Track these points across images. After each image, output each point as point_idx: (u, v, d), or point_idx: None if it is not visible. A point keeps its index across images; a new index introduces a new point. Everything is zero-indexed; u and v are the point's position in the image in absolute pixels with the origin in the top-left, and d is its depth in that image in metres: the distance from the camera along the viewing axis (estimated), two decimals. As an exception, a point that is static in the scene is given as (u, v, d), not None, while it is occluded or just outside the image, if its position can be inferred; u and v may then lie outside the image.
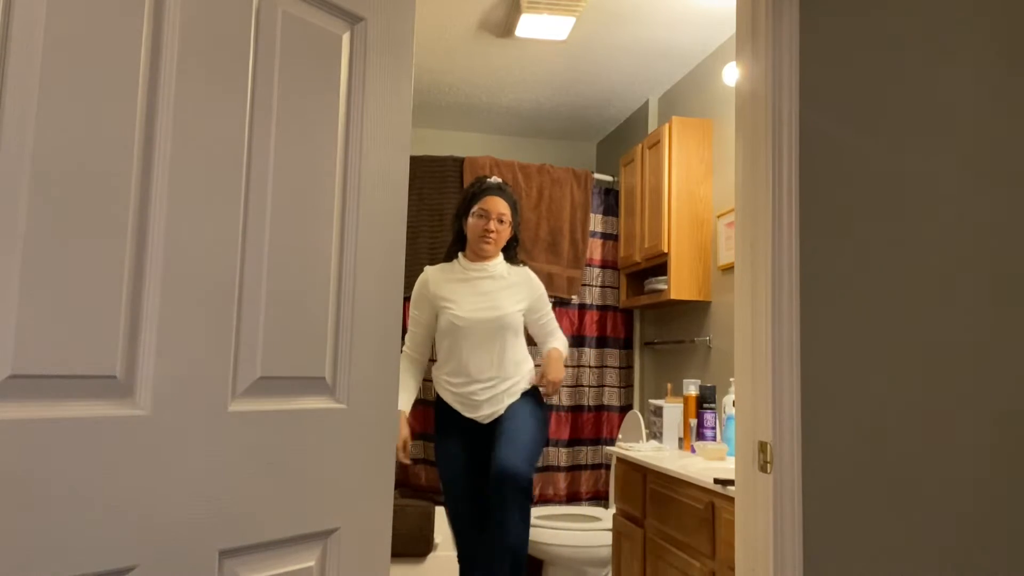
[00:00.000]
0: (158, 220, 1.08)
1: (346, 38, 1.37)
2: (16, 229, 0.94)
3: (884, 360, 1.70)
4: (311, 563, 1.27)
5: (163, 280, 1.08)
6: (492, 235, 2.95)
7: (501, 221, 2.97)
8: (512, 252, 3.10)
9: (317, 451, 1.28)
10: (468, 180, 4.01)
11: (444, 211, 4.01)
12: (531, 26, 3.52)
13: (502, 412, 2.95)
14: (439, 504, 3.71)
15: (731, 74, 3.65)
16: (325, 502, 1.29)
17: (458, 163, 4.16)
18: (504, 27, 3.65)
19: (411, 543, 3.52)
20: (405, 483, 3.91)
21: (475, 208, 2.98)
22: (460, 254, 3.06)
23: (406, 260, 1.42)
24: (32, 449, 0.94)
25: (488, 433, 2.99)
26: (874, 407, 1.69)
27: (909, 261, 1.74)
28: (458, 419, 3.00)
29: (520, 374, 2.99)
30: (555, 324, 3.11)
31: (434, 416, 3.08)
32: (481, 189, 3.01)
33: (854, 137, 1.74)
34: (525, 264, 3.16)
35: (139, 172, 1.06)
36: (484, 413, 2.96)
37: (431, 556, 3.59)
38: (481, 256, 3.01)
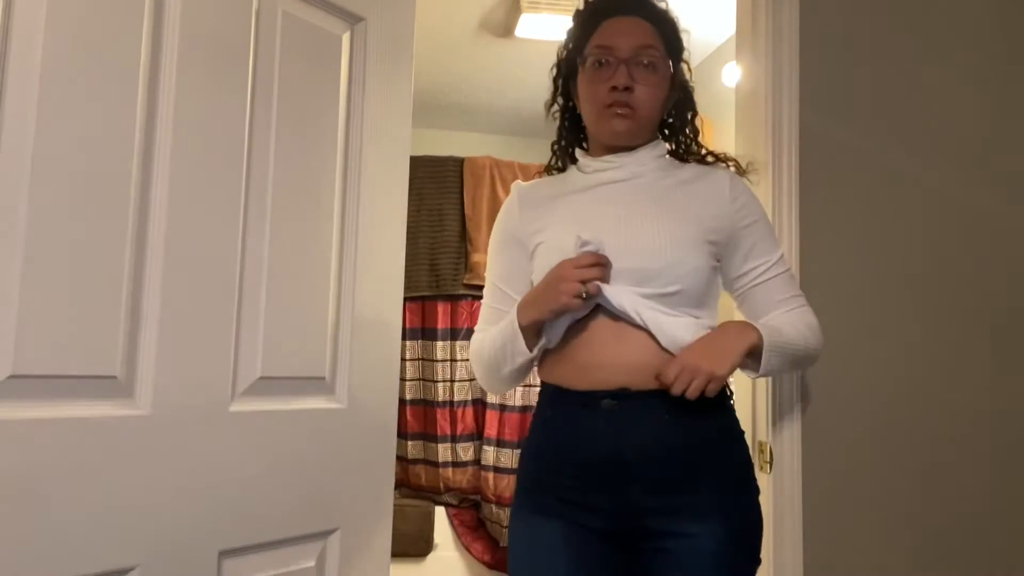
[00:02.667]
0: (158, 220, 1.08)
1: (346, 38, 1.37)
2: (16, 229, 0.94)
3: (884, 359, 1.70)
4: (311, 563, 1.27)
5: (163, 280, 1.08)
6: (624, 98, 1.29)
7: (646, 64, 1.30)
8: (686, 136, 1.41)
9: (317, 451, 1.28)
10: (468, 180, 3.99)
11: (444, 211, 4.00)
12: (531, 26, 3.51)
13: (674, 519, 1.20)
14: (439, 504, 3.70)
15: (731, 74, 3.65)
16: (325, 502, 1.29)
17: (458, 163, 4.16)
18: (504, 27, 3.65)
19: (411, 543, 3.52)
20: (405, 483, 3.90)
21: (588, 51, 1.33)
22: (579, 152, 1.42)
23: (406, 260, 1.42)
24: (32, 449, 0.94)
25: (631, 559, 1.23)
26: (874, 407, 1.69)
27: (910, 260, 1.73)
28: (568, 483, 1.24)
29: (716, 405, 1.26)
30: (794, 285, 1.36)
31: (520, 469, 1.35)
32: (595, 10, 1.38)
33: (854, 137, 1.74)
34: (719, 160, 1.41)
35: (139, 172, 1.06)
36: (622, 506, 1.21)
37: (431, 556, 3.58)
38: (613, 144, 1.35)
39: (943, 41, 1.81)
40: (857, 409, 1.68)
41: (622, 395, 1.20)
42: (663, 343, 1.20)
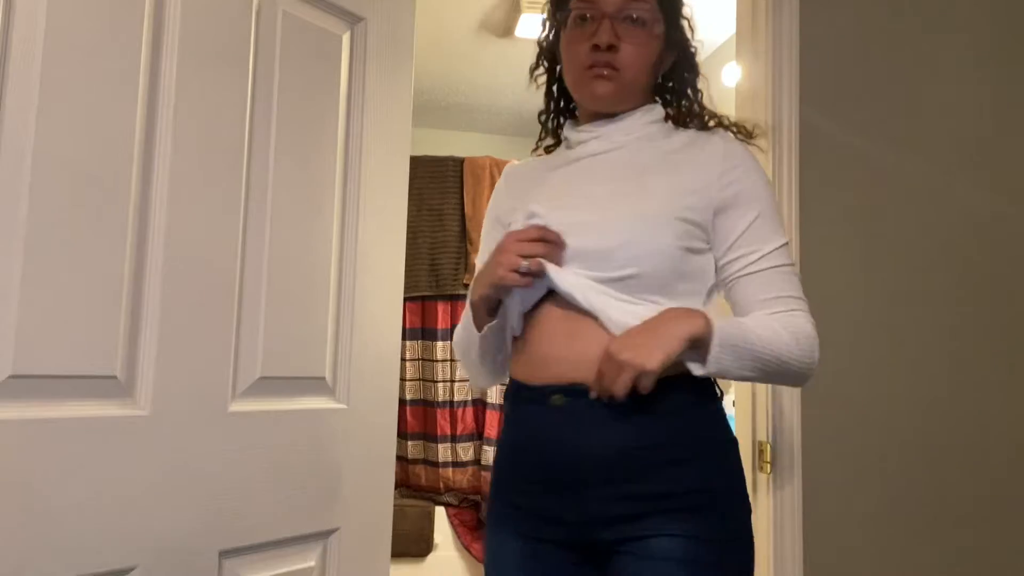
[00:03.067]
0: (158, 220, 1.08)
1: (346, 38, 1.37)
2: (16, 229, 0.94)
3: (884, 359, 1.70)
4: (311, 563, 1.27)
5: (163, 280, 1.08)
6: (607, 58, 1.14)
7: (634, 19, 1.15)
8: (688, 99, 1.23)
9: (317, 451, 1.28)
10: (468, 180, 4.00)
11: (444, 211, 4.00)
12: (531, 26, 3.51)
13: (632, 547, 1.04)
14: (439, 504, 3.70)
15: (731, 74, 3.64)
16: (325, 502, 1.29)
17: (458, 163, 4.16)
18: (504, 27, 3.65)
19: (411, 543, 3.52)
20: (405, 483, 3.91)
21: (571, 5, 1.19)
22: (569, 124, 1.27)
23: (406, 260, 1.43)
24: (32, 449, 0.94)
25: None
26: (874, 406, 1.69)
27: (911, 259, 1.74)
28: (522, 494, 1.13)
29: (690, 401, 1.08)
30: (790, 283, 1.11)
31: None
32: None
33: (854, 137, 1.74)
34: (720, 124, 1.21)
35: (139, 172, 1.06)
36: (578, 515, 1.07)
37: (431, 556, 3.58)
38: (596, 110, 1.21)
39: (943, 41, 1.81)
40: (857, 409, 1.68)
41: (574, 391, 1.05)
42: (613, 332, 1.03)
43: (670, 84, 1.24)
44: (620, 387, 0.98)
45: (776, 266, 1.09)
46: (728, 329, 1.02)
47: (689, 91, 1.23)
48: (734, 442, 1.12)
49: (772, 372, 1.05)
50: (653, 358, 0.97)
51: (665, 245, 1.06)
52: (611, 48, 1.13)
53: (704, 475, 1.06)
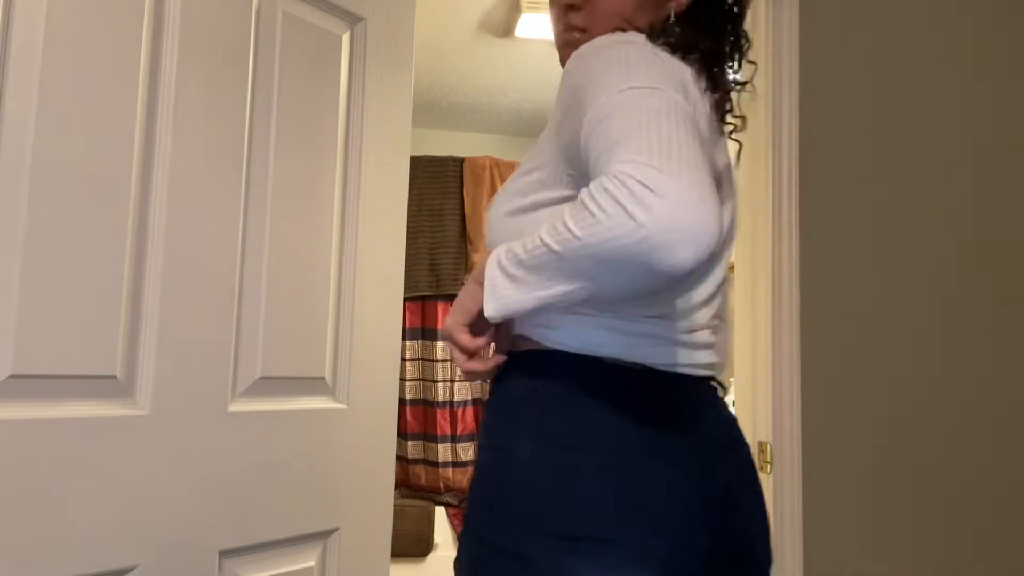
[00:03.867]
0: (158, 220, 1.08)
1: (346, 38, 1.37)
2: (16, 230, 0.94)
3: (883, 359, 1.70)
4: (311, 563, 1.27)
5: (163, 280, 1.08)
6: (573, 20, 0.91)
7: None
8: (704, 44, 0.92)
9: (317, 451, 1.28)
10: (468, 180, 4.01)
11: (444, 211, 4.00)
12: (531, 26, 3.51)
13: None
14: (439, 504, 3.71)
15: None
16: (325, 502, 1.29)
17: (458, 163, 4.16)
18: (504, 27, 3.65)
19: (411, 543, 3.52)
20: (405, 483, 3.91)
21: None
22: None
23: (406, 260, 1.44)
24: (32, 449, 0.94)
25: None
26: (873, 407, 1.69)
27: (911, 259, 1.73)
28: None
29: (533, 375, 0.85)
30: (606, 133, 0.68)
31: None
32: None
33: (854, 137, 1.74)
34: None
35: (139, 172, 1.06)
36: None
37: (431, 556, 3.58)
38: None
39: (943, 40, 1.81)
40: (857, 409, 1.68)
41: None
42: None
43: (697, 32, 0.93)
44: (459, 363, 0.84)
45: (593, 125, 0.71)
46: (508, 252, 0.74)
47: (727, 35, 0.97)
48: (549, 458, 0.78)
49: (580, 272, 0.67)
50: (450, 319, 0.82)
51: (493, 216, 0.89)
52: (572, 7, 0.91)
53: (487, 480, 0.83)
